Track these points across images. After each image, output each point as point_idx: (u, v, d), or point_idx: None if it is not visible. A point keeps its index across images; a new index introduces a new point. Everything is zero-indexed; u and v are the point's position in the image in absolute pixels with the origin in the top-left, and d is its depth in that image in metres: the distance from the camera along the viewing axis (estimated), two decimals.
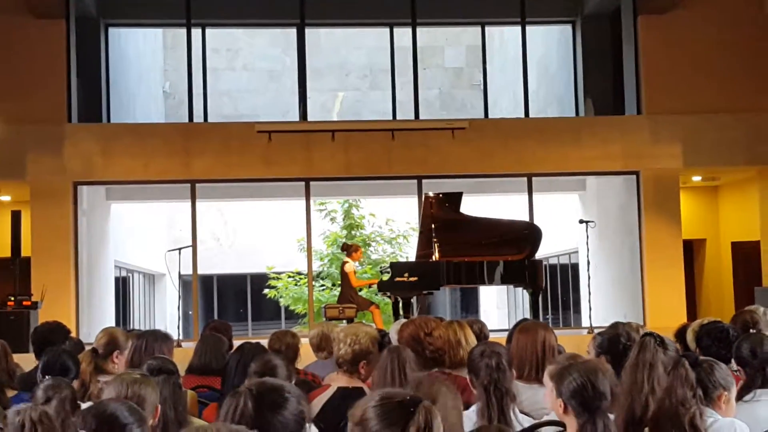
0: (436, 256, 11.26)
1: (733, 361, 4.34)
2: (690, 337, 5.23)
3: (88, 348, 5.14)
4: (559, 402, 3.27)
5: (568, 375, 3.27)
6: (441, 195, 11.65)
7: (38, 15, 13.64)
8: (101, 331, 5.34)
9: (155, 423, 3.42)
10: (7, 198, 14.34)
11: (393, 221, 20.21)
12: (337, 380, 4.55)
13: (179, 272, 12.64)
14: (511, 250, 11.56)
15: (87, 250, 14.16)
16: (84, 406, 3.92)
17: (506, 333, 6.06)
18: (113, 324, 14.68)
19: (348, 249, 12.54)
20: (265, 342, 5.75)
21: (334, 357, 4.69)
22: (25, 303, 11.56)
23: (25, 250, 12.71)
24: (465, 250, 11.41)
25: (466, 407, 4.00)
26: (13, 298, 11.56)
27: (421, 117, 14.91)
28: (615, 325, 5.16)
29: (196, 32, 14.79)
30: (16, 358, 5.26)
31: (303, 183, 14.18)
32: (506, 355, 3.96)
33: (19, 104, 13.17)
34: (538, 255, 11.73)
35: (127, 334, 5.39)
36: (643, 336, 3.76)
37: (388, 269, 11.56)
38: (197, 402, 4.68)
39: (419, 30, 15.07)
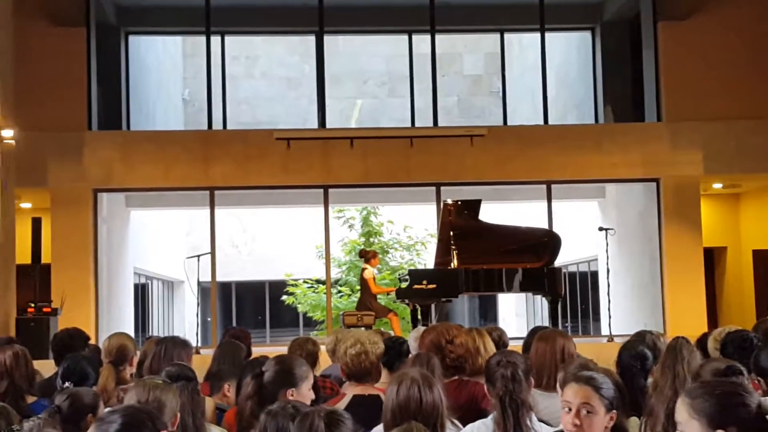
0: (454, 263, 11.23)
1: (752, 371, 4.30)
2: (712, 345, 5.19)
3: (106, 362, 5.14)
4: None
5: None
6: (459, 202, 11.63)
7: (58, 23, 13.74)
8: (109, 339, 5.33)
9: (174, 430, 3.41)
10: (27, 205, 14.42)
11: (411, 228, 20.18)
12: (351, 389, 4.54)
13: (198, 279, 12.67)
14: (530, 257, 11.52)
15: (106, 257, 14.22)
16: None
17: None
18: (132, 330, 14.74)
19: (365, 255, 12.54)
20: (284, 349, 5.75)
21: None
22: (45, 309, 11.62)
23: (45, 257, 12.77)
24: (484, 258, 11.38)
25: (485, 415, 3.98)
26: (33, 305, 11.62)
27: (440, 124, 14.89)
28: (641, 334, 5.13)
29: (215, 40, 14.85)
30: (36, 364, 5.27)
31: (321, 190, 14.19)
32: (523, 364, 3.93)
33: (40, 112, 13.25)
34: (558, 262, 11.68)
35: (132, 338, 5.41)
36: (677, 337, 3.80)
37: (407, 277, 11.54)
38: (215, 409, 4.67)
39: (438, 37, 15.06)
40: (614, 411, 3.24)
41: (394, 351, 4.98)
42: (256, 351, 6.26)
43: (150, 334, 17.60)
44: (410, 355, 4.94)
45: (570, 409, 3.24)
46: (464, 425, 3.93)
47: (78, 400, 3.78)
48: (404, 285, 11.41)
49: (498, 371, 3.84)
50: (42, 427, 3.08)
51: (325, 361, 6.02)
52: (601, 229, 13.08)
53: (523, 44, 17.76)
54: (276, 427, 3.08)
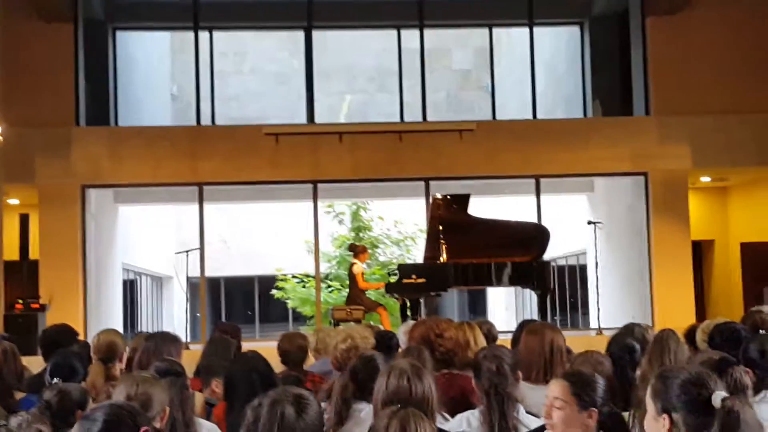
0: (443, 257, 11.24)
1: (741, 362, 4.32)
2: (700, 337, 5.21)
3: (95, 359, 5.14)
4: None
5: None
6: (448, 197, 11.63)
7: (46, 18, 13.68)
8: (98, 336, 5.33)
9: (163, 426, 3.41)
10: (15, 201, 14.36)
11: (401, 223, 20.19)
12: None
13: (187, 275, 12.67)
14: (519, 251, 11.53)
15: (95, 253, 14.17)
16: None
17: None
18: (121, 326, 14.71)
19: (355, 250, 12.54)
20: (274, 344, 5.76)
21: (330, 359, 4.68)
22: (33, 306, 11.61)
23: (34, 253, 12.74)
24: (473, 252, 11.39)
25: (472, 408, 4.01)
26: (21, 301, 11.61)
27: (429, 119, 14.89)
28: (629, 327, 5.15)
29: (203, 35, 14.81)
30: (25, 360, 5.26)
31: (310, 185, 14.18)
32: (510, 358, 3.95)
33: (27, 107, 13.20)
34: (546, 256, 11.70)
35: (121, 335, 5.42)
36: (661, 331, 3.83)
37: (396, 271, 11.55)
38: (205, 404, 4.67)
39: (426, 32, 15.06)
40: (593, 409, 3.26)
41: (384, 345, 5.00)
42: (246, 346, 6.26)
43: (139, 329, 17.57)
44: (400, 349, 4.95)
45: None
46: None
47: (66, 396, 3.77)
48: (393, 279, 11.42)
49: (484, 365, 3.87)
50: (30, 423, 3.08)
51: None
52: (589, 222, 13.12)
53: (511, 39, 17.77)
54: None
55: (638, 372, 4.45)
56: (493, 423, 3.74)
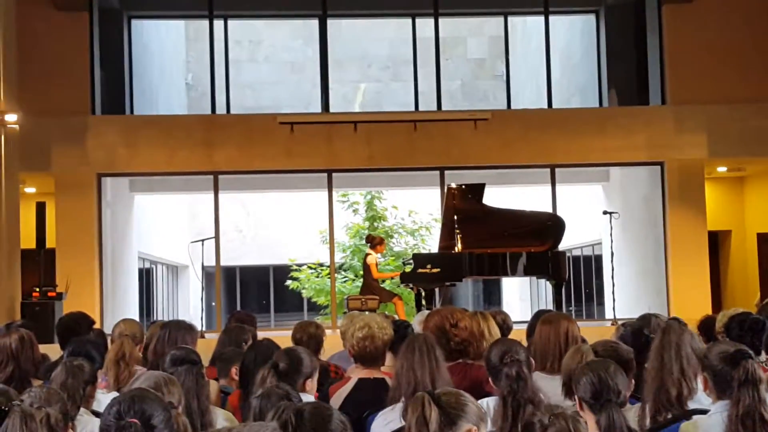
0: (458, 247, 11.22)
1: (762, 351, 4.31)
2: (717, 328, 5.19)
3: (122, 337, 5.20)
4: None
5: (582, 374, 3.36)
6: (463, 186, 11.60)
7: (62, 7, 13.72)
8: (118, 324, 5.39)
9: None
10: (32, 190, 14.43)
11: (416, 213, 20.16)
12: (358, 372, 4.54)
13: (202, 264, 12.68)
14: (534, 241, 11.50)
15: (111, 242, 14.24)
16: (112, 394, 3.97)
17: None
18: (137, 315, 14.79)
19: (372, 241, 12.50)
20: (288, 333, 5.76)
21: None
22: (50, 294, 11.66)
23: (50, 242, 12.79)
24: (488, 242, 11.36)
25: (486, 396, 4.00)
26: (38, 289, 11.66)
27: (444, 108, 14.86)
28: (645, 317, 5.13)
29: (218, 24, 14.82)
30: (41, 348, 5.29)
31: (325, 174, 14.19)
32: (526, 358, 3.85)
33: (43, 96, 13.24)
34: (562, 246, 11.67)
35: (140, 325, 5.48)
36: (669, 321, 3.78)
37: (411, 261, 11.54)
38: (220, 392, 4.69)
39: (441, 21, 15.01)
40: None
41: (399, 335, 4.99)
42: (261, 335, 6.27)
43: (154, 318, 17.65)
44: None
45: None
46: None
47: (78, 372, 3.83)
48: (408, 269, 11.41)
49: (503, 369, 3.76)
50: (45, 399, 3.10)
51: (337, 344, 6.02)
52: (605, 212, 13.06)
53: (526, 27, 17.70)
54: (270, 407, 3.10)
55: (647, 365, 4.42)
56: (504, 428, 3.65)
